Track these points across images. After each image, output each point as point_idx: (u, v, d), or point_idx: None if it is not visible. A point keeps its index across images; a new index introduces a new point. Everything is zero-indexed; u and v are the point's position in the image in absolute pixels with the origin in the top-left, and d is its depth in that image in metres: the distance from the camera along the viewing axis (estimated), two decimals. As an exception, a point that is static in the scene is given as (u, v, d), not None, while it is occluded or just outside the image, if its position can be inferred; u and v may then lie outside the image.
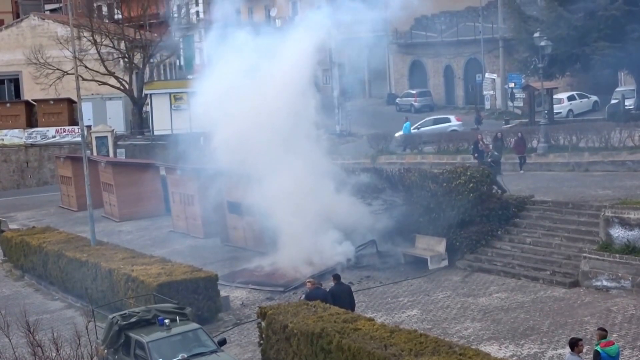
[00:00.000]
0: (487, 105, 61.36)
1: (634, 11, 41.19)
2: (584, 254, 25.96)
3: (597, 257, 25.44)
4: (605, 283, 25.00)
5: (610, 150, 38.50)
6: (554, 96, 53.10)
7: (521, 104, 56.05)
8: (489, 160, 38.26)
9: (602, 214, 26.17)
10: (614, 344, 17.23)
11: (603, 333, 17.29)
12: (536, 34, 43.18)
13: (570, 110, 55.29)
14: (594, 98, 56.73)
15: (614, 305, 23.69)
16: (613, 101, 51.15)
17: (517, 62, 54.62)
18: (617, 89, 53.08)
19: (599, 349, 16.73)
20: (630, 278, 24.42)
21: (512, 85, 57.85)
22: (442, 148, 44.30)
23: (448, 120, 59.18)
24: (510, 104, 58.58)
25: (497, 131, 41.28)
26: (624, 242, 25.16)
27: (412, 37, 72.03)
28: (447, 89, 68.89)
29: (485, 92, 61.82)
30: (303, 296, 23.61)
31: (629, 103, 49.82)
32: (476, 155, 38.69)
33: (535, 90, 50.67)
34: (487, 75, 61.76)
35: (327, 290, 23.35)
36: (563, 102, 55.55)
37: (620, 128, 40.56)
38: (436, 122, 57.48)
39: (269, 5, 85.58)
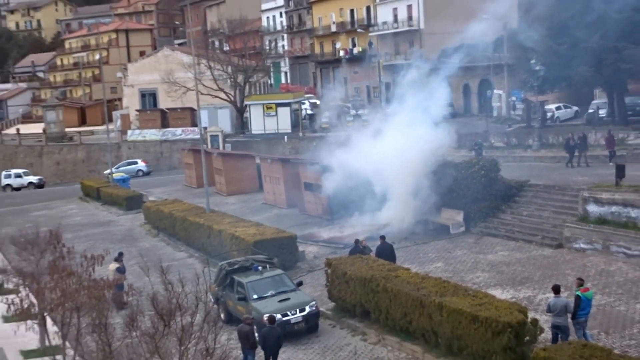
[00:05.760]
0: (495, 113, 60.40)
1: (608, 44, 40.40)
2: (567, 224, 25.58)
3: (576, 226, 25.08)
4: (582, 245, 24.61)
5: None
6: (545, 106, 52.30)
7: (520, 112, 55.16)
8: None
9: (581, 194, 25.75)
10: (589, 290, 16.98)
11: (581, 282, 17.05)
12: (532, 61, 42.52)
13: (557, 117, 54.28)
14: (575, 108, 55.55)
15: (589, 262, 23.32)
16: (590, 110, 50.30)
17: (518, 82, 53.93)
18: (593, 102, 52.12)
19: (579, 294, 16.50)
20: (601, 242, 24.01)
21: (514, 98, 57.07)
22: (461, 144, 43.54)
23: (136, 163, 61.68)
24: (512, 112, 57.73)
25: (582, 131, 37.97)
26: (597, 216, 24.75)
27: (439, 62, 71.12)
28: (465, 102, 67.88)
29: (493, 104, 60.87)
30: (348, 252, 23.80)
31: (602, 112, 49.02)
32: (567, 150, 35.95)
33: (531, 102, 49.98)
34: (495, 91, 60.83)
35: (373, 247, 23.45)
36: (552, 111, 54.56)
37: (595, 130, 39.88)
38: (129, 164, 59.01)
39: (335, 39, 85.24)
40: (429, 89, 31.62)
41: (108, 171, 57.17)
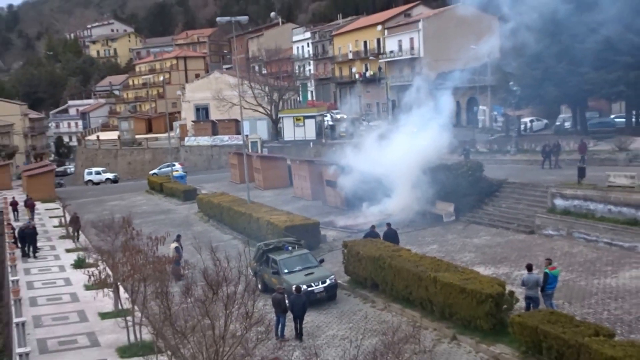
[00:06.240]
0: (480, 124, 59.89)
1: (572, 69, 39.99)
2: (538, 215, 25.35)
3: (546, 216, 24.84)
4: (550, 232, 24.37)
5: (555, 152, 37.16)
6: (521, 119, 51.81)
7: (500, 124, 54.69)
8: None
9: (549, 190, 25.48)
10: (556, 268, 16.81)
11: (549, 261, 16.88)
12: (511, 83, 42.16)
13: (530, 128, 53.74)
14: (545, 121, 55.01)
15: (555, 246, 23.09)
16: (557, 123, 49.89)
17: (499, 99, 53.50)
18: (560, 115, 51.74)
19: (547, 271, 16.35)
20: (565, 229, 23.78)
21: (495, 113, 56.62)
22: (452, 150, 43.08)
23: (173, 165, 58.00)
24: (494, 124, 57.25)
25: (556, 140, 37.29)
26: (562, 208, 24.51)
27: (436, 84, 70.52)
28: (456, 116, 67.43)
29: (479, 117, 60.43)
30: (363, 235, 23.70)
31: (567, 124, 48.62)
32: (543, 155, 35.23)
33: (509, 116, 49.58)
34: (480, 107, 60.38)
35: (380, 232, 23.33)
36: (527, 123, 54.02)
37: (560, 139, 39.40)
38: (168, 166, 55.90)
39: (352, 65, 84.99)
40: (434, 102, 31.44)
41: (152, 171, 58.32)
